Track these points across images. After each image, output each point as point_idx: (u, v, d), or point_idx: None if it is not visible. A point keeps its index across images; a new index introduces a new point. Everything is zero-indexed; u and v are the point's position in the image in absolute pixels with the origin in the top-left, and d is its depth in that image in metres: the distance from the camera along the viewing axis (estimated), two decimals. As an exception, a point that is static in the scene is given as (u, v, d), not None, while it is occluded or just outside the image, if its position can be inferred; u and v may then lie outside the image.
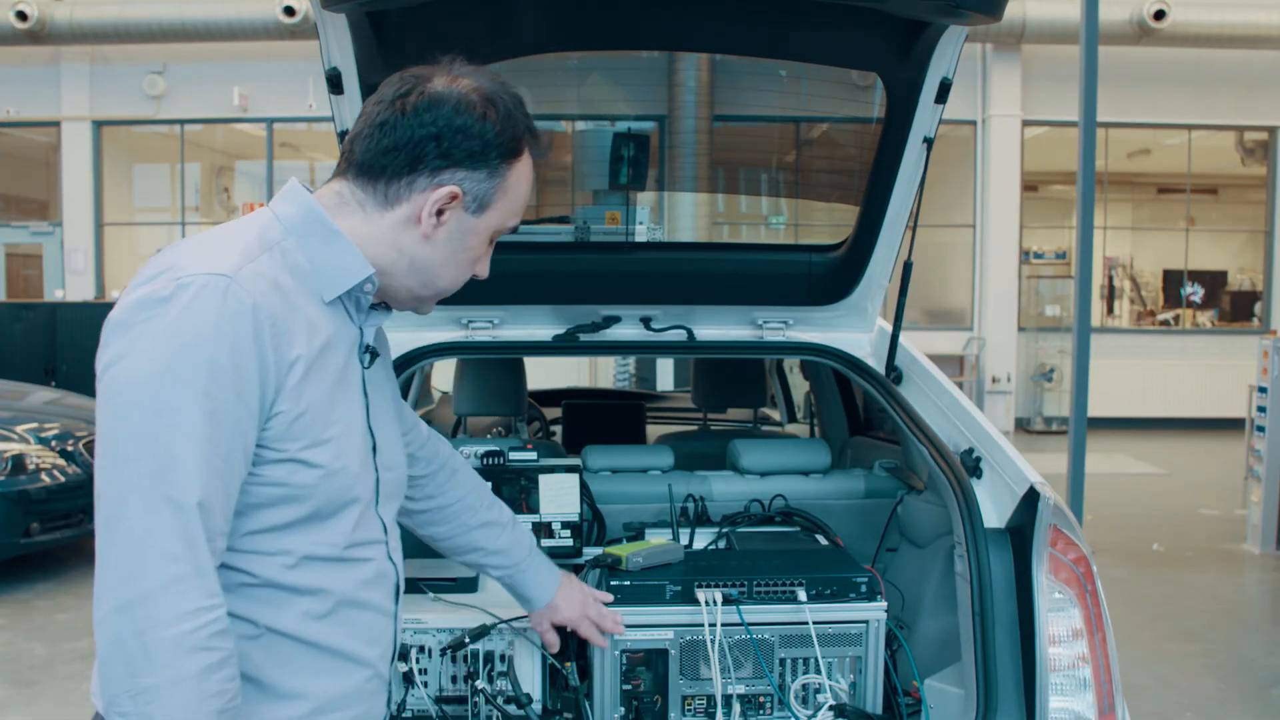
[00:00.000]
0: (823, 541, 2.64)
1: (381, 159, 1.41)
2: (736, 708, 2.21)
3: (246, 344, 1.27)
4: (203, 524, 1.24)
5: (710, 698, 2.20)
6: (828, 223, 3.11)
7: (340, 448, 1.39)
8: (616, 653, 2.20)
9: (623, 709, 2.21)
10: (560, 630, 2.20)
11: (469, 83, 1.42)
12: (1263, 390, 7.32)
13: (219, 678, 1.24)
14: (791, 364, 5.05)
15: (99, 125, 13.82)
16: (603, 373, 12.09)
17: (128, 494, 1.23)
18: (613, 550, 2.31)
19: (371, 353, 1.50)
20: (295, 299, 1.35)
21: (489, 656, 2.16)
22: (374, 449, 1.49)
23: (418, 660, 2.16)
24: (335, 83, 2.19)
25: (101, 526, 1.24)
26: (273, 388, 1.30)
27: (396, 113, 1.40)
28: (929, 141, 2.48)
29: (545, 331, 2.88)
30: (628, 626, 2.20)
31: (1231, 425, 10.82)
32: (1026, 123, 13.49)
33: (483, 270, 1.54)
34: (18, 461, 6.07)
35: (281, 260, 1.37)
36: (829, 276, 2.84)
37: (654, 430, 4.47)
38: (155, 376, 1.23)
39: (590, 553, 2.48)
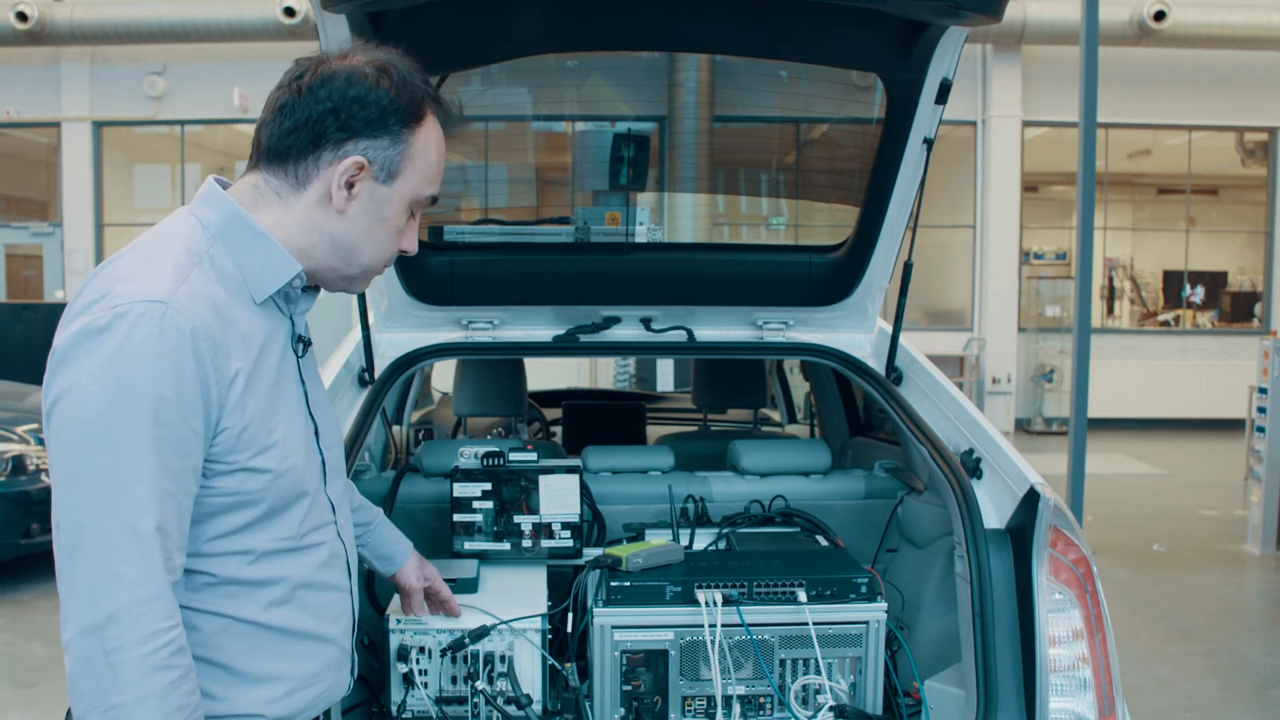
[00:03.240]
0: (823, 542, 2.64)
1: (286, 140, 1.43)
2: (736, 708, 2.21)
3: (188, 370, 1.30)
4: (160, 547, 1.29)
5: (710, 698, 2.20)
6: (828, 223, 3.11)
7: (285, 449, 1.43)
8: (616, 653, 2.20)
9: (623, 709, 2.22)
10: (560, 631, 2.20)
11: (362, 58, 1.45)
12: (1263, 391, 7.32)
13: (181, 692, 1.30)
14: (791, 364, 5.05)
15: (99, 126, 13.80)
16: (603, 373, 12.09)
17: (85, 524, 1.27)
18: (613, 551, 2.31)
19: (304, 342, 1.54)
20: (229, 311, 1.38)
21: (489, 657, 2.16)
22: (315, 433, 1.54)
23: (418, 661, 2.16)
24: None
25: (62, 554, 1.29)
26: (216, 406, 1.34)
27: (294, 94, 1.42)
28: (929, 142, 2.48)
29: (545, 332, 2.87)
30: (628, 627, 2.20)
31: (1231, 426, 10.82)
32: (1026, 123, 13.48)
33: (410, 245, 1.54)
34: (18, 462, 6.07)
35: (212, 271, 1.40)
36: (829, 277, 2.84)
37: (654, 431, 4.47)
38: (101, 410, 1.27)
39: (590, 553, 2.48)
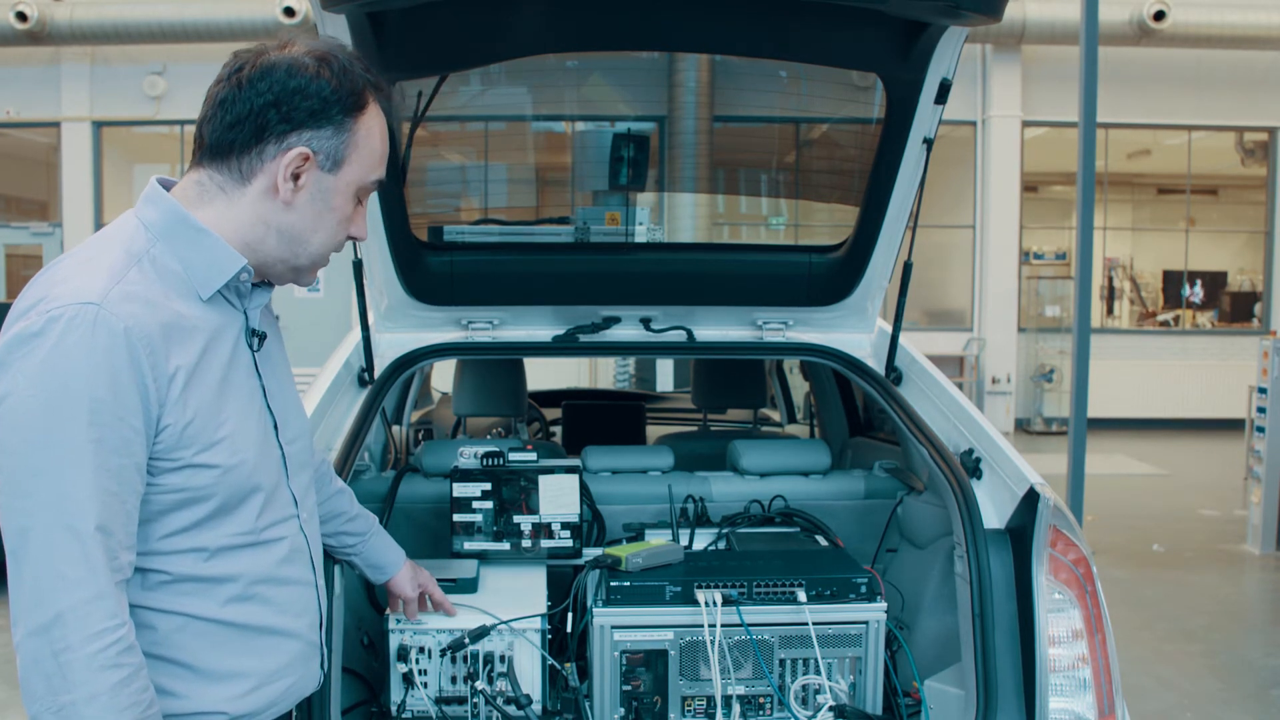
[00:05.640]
0: (823, 542, 2.64)
1: (228, 135, 1.42)
2: (736, 708, 2.21)
3: (123, 369, 1.30)
4: (103, 546, 1.29)
5: (710, 698, 2.20)
6: (828, 223, 3.11)
7: (234, 444, 1.42)
8: (616, 653, 2.20)
9: (622, 709, 2.22)
10: (560, 631, 2.19)
11: (301, 47, 1.45)
12: (1263, 391, 7.32)
13: (132, 690, 1.30)
14: (791, 364, 5.05)
15: (99, 126, 13.79)
16: (603, 373, 12.08)
17: (28, 526, 1.28)
18: (613, 551, 2.31)
19: (259, 336, 1.53)
20: (169, 308, 1.38)
21: (489, 657, 2.16)
22: (275, 426, 1.53)
23: (417, 660, 2.16)
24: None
25: (9, 557, 1.29)
26: (156, 404, 1.34)
27: (234, 87, 1.42)
28: (929, 142, 2.48)
29: (545, 332, 2.87)
30: (628, 628, 2.20)
31: (1231, 426, 10.82)
32: (1026, 123, 13.47)
33: (358, 231, 1.55)
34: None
35: (152, 270, 1.39)
36: (829, 277, 2.84)
37: (654, 431, 4.47)
38: (38, 414, 1.27)
39: (590, 553, 2.48)
